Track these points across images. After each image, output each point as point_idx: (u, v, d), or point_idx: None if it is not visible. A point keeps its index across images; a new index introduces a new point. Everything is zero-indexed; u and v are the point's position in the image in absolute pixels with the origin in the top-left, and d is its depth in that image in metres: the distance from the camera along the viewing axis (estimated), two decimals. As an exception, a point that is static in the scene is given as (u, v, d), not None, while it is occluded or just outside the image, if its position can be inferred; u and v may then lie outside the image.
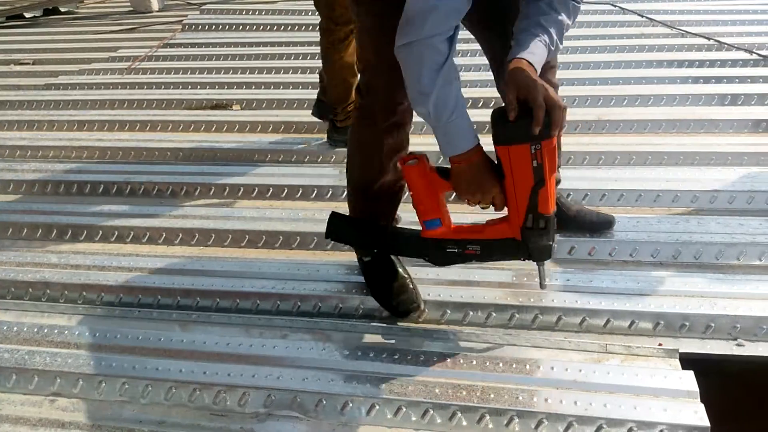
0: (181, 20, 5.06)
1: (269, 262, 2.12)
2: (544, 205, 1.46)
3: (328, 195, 2.50)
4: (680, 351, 1.61)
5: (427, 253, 1.68)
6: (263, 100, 3.46)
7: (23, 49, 4.86)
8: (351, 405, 1.54)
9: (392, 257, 1.87)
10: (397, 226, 1.83)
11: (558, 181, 1.97)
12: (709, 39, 3.72)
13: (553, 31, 1.47)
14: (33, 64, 4.57)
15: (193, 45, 4.45)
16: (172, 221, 2.39)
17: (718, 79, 3.22)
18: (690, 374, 1.52)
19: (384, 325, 1.79)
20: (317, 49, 2.78)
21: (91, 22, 5.73)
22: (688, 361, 1.59)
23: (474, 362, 1.62)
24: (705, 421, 1.40)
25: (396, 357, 1.64)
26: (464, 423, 1.48)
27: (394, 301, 1.83)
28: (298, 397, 1.57)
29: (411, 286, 1.84)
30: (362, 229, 1.78)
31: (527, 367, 1.58)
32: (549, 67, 1.72)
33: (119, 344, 1.77)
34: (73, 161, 2.98)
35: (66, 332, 1.82)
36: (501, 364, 1.60)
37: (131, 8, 5.92)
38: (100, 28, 5.36)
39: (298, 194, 2.53)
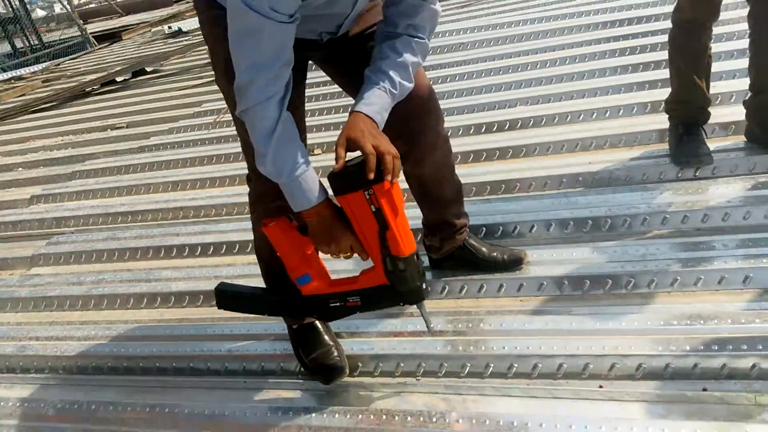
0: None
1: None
2: (396, 248, 1.50)
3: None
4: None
5: (312, 311, 1.72)
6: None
7: (117, 114, 5.18)
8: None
9: (318, 325, 1.88)
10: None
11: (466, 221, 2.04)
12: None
13: (394, 74, 1.53)
14: (127, 127, 4.83)
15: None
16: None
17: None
18: None
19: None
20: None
21: (176, 78, 6.03)
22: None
23: (542, 423, 1.51)
24: None
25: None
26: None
27: (317, 367, 1.84)
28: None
29: (335, 353, 1.83)
30: (248, 299, 1.81)
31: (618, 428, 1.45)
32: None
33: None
34: (170, 223, 3.09)
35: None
36: (588, 427, 1.49)
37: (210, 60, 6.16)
38: (184, 84, 5.63)
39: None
